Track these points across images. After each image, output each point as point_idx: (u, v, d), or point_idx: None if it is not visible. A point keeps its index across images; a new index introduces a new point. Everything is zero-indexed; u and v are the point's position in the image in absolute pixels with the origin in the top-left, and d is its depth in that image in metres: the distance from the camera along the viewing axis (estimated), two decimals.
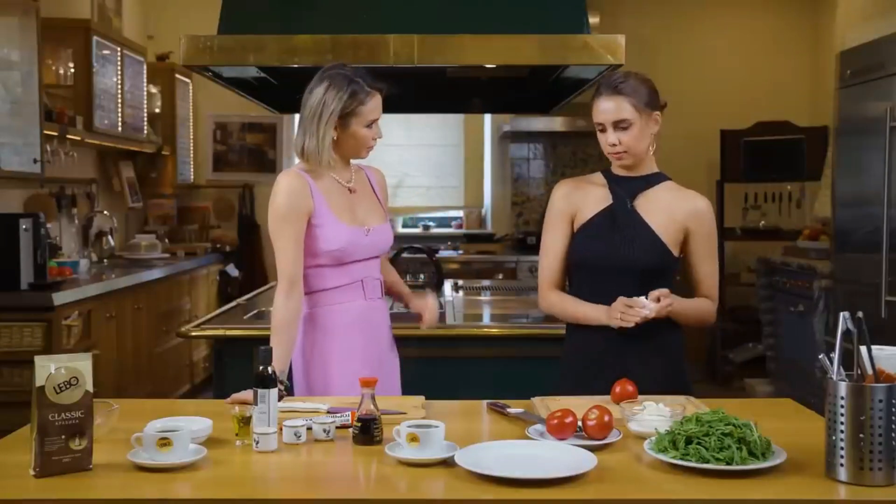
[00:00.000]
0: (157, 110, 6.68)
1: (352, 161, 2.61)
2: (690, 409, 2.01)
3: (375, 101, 2.47)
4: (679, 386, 2.40)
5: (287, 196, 2.43)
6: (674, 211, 2.44)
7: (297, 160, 2.54)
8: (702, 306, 2.47)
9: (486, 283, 5.09)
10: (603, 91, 2.41)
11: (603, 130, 2.42)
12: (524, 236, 7.02)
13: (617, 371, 2.34)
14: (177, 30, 3.97)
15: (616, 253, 2.40)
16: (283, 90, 3.76)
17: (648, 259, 2.40)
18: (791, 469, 1.73)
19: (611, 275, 2.39)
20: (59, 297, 4.18)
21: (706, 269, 2.47)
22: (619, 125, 2.39)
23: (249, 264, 7.03)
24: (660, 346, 2.43)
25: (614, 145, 2.40)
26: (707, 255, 2.47)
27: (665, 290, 2.32)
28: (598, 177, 2.52)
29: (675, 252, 2.44)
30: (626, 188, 2.47)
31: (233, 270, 6.88)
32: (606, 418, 1.90)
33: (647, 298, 2.31)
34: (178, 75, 6.80)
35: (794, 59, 7.18)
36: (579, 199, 2.50)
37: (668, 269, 2.44)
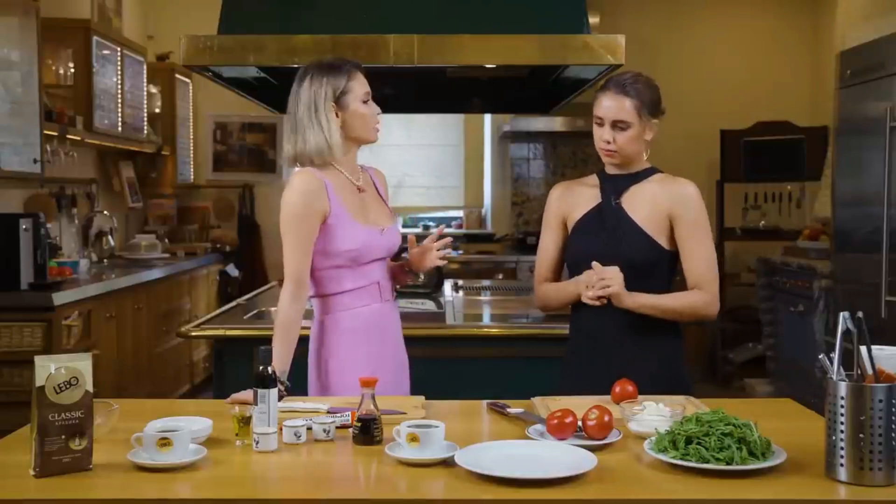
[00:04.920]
0: (157, 110, 6.68)
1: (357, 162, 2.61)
2: (690, 409, 2.01)
3: (359, 76, 2.47)
4: (676, 378, 2.44)
5: (302, 195, 2.39)
6: (658, 200, 2.45)
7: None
8: (683, 299, 2.42)
9: (486, 283, 5.09)
10: (610, 87, 2.44)
11: (601, 125, 2.45)
12: (524, 236, 7.02)
13: (614, 356, 2.41)
14: (177, 30, 3.97)
15: (605, 250, 2.42)
16: (283, 90, 3.73)
17: (635, 254, 2.41)
18: (791, 469, 1.73)
19: None
20: (59, 297, 4.18)
21: (697, 255, 2.42)
22: (618, 124, 2.41)
23: (249, 264, 7.03)
24: (654, 343, 2.44)
25: (608, 143, 2.43)
26: (696, 240, 2.42)
27: (613, 268, 2.32)
28: (593, 178, 2.57)
29: (665, 244, 2.44)
30: (615, 185, 2.49)
31: (233, 270, 6.88)
32: (606, 418, 1.90)
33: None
34: (178, 75, 6.80)
35: (794, 59, 7.18)
36: (572, 200, 2.55)
37: (661, 263, 2.44)
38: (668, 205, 2.44)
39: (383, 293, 2.54)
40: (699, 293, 2.42)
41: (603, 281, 2.32)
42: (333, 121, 2.42)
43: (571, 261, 2.50)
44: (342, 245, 2.43)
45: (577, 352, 2.53)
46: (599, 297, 2.34)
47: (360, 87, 2.45)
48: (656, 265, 2.43)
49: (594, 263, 2.35)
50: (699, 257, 2.43)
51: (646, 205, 2.45)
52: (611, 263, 2.37)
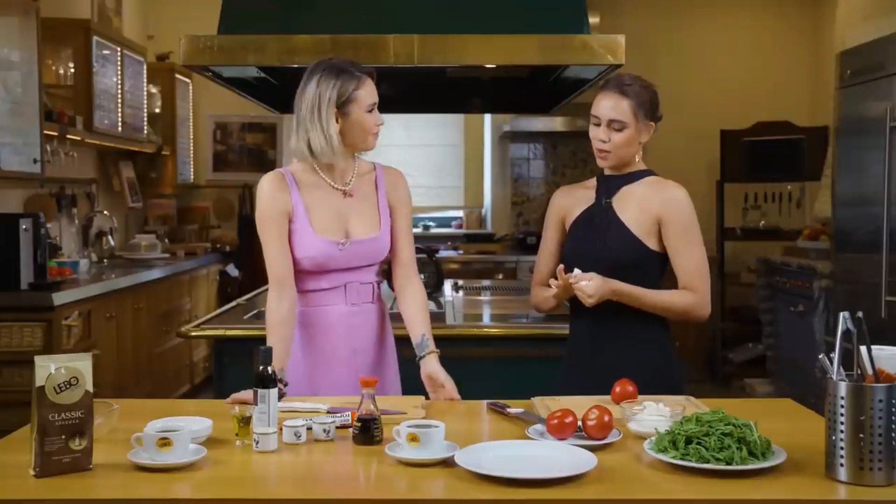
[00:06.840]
0: (157, 110, 6.69)
1: (370, 161, 2.59)
2: (690, 409, 2.01)
3: (370, 85, 2.45)
4: (672, 371, 2.47)
5: (265, 198, 2.44)
6: (648, 203, 2.46)
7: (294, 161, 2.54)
8: (671, 298, 2.44)
9: (486, 283, 5.09)
10: (609, 88, 2.46)
11: (598, 124, 2.47)
12: (524, 236, 7.02)
13: (613, 356, 2.44)
14: (177, 30, 3.97)
15: (591, 248, 2.45)
16: (283, 90, 3.75)
17: (619, 252, 2.43)
18: (791, 469, 1.73)
19: (589, 270, 2.39)
20: (59, 297, 4.18)
21: (685, 258, 2.44)
22: (614, 124, 2.43)
23: (249, 264, 7.01)
24: (641, 339, 2.46)
25: (603, 142, 2.45)
26: (686, 243, 2.44)
27: (589, 275, 2.34)
28: (594, 181, 2.59)
29: (652, 245, 2.45)
30: (608, 186, 2.52)
31: (233, 270, 6.88)
32: (606, 418, 1.90)
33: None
34: (178, 75, 6.80)
35: (794, 59, 7.18)
36: (571, 203, 2.58)
37: (647, 263, 2.45)
38: (657, 208, 2.45)
39: (349, 296, 2.49)
40: (689, 294, 2.44)
41: (580, 292, 2.36)
42: (333, 124, 2.40)
43: (564, 260, 2.52)
44: (297, 252, 2.44)
45: (577, 352, 2.54)
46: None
47: (366, 96, 2.43)
48: (642, 265, 2.44)
49: (558, 269, 2.39)
50: (689, 260, 2.44)
51: (634, 205, 2.47)
52: (597, 261, 2.40)
